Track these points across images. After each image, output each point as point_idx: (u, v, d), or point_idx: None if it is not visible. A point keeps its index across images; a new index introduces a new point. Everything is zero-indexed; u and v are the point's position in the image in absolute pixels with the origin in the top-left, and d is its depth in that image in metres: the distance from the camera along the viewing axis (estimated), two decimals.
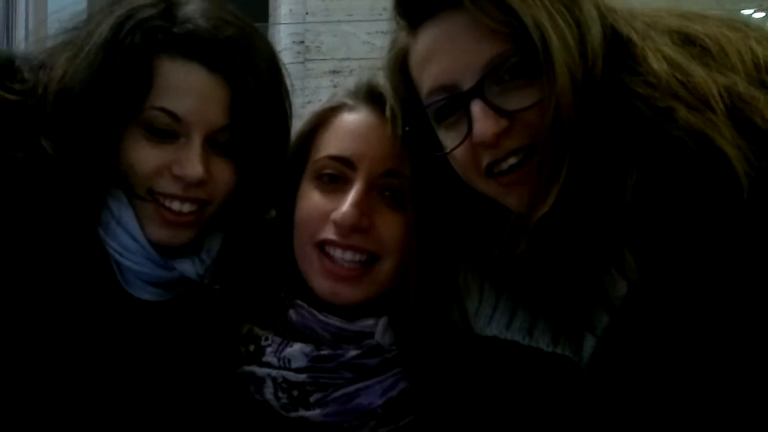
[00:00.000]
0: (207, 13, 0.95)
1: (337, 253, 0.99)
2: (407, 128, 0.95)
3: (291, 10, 4.03)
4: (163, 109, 0.91)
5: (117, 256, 0.95)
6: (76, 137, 0.90)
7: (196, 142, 0.93)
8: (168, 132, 0.93)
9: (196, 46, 0.92)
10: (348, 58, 3.77)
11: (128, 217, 0.94)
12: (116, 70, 0.90)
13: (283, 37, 4.04)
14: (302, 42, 3.93)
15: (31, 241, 0.90)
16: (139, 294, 0.98)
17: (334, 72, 3.79)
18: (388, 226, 0.99)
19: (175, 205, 0.95)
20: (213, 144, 0.95)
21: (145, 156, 0.93)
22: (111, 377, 0.96)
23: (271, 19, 4.27)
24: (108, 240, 0.95)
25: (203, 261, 1.01)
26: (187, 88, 0.92)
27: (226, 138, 0.96)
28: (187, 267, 0.99)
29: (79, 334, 0.94)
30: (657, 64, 0.77)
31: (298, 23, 4.00)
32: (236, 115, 0.94)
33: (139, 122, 0.92)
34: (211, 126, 0.94)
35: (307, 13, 4.01)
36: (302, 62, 3.88)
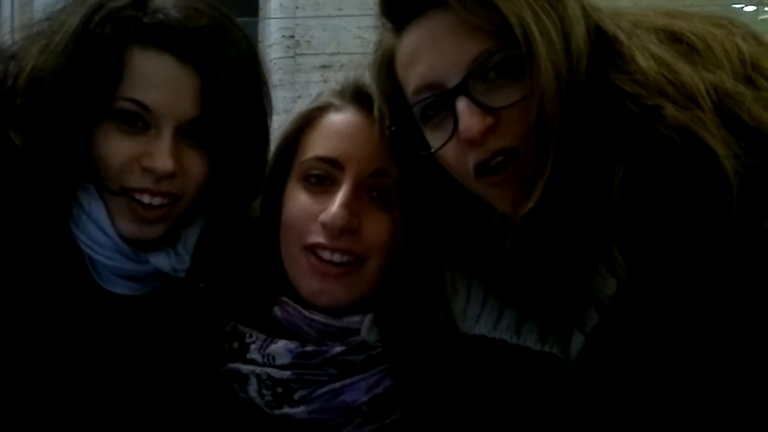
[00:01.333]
0: (179, 3, 0.93)
1: (326, 254, 0.99)
2: (393, 128, 0.95)
3: (281, 4, 4.00)
4: (133, 100, 0.90)
5: (88, 250, 0.94)
6: (46, 129, 0.88)
7: (166, 133, 0.92)
8: (138, 123, 0.92)
9: (166, 37, 0.91)
10: (338, 53, 3.76)
11: (98, 210, 0.93)
12: (86, 60, 0.88)
13: (273, 31, 4.02)
14: (292, 36, 3.91)
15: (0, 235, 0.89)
16: (113, 288, 0.97)
17: (325, 67, 3.77)
18: (376, 227, 0.99)
19: (145, 198, 0.93)
20: (184, 135, 0.94)
21: (116, 148, 0.91)
22: (89, 374, 0.95)
23: (261, 14, 4.25)
24: (79, 234, 0.94)
25: (179, 254, 0.99)
26: (157, 79, 0.91)
27: (198, 130, 0.94)
28: (162, 261, 0.98)
29: (52, 331, 0.92)
30: (644, 62, 0.77)
31: (289, 18, 3.98)
32: (208, 106, 0.93)
33: (109, 114, 0.91)
34: (181, 117, 0.92)
35: (297, 8, 3.99)
36: (292, 57, 3.86)
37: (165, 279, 1.02)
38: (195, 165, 0.96)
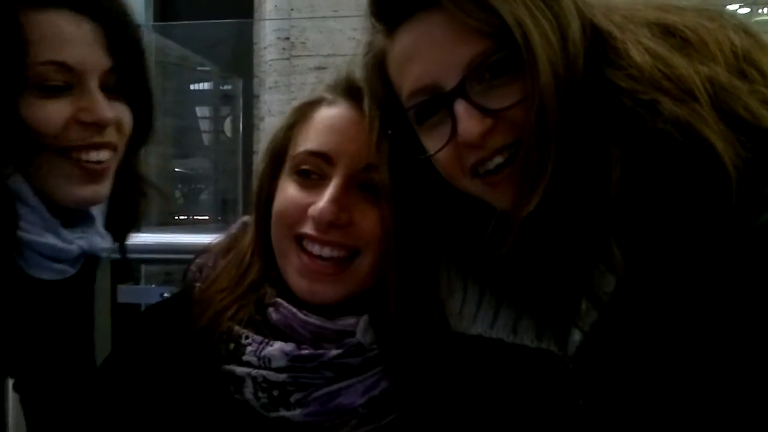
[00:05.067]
0: None
1: (315, 248, 0.98)
2: (389, 132, 0.94)
3: (276, 6, 3.99)
4: (53, 62, 0.89)
5: (19, 232, 0.92)
6: None
7: (93, 85, 0.92)
8: (61, 85, 0.91)
9: None
10: (334, 55, 3.75)
11: (27, 190, 0.92)
12: None
13: (268, 33, 4.01)
14: (287, 38, 3.90)
15: None
16: (40, 274, 0.95)
17: (320, 68, 3.76)
18: (368, 221, 0.98)
19: (93, 156, 0.93)
20: (104, 88, 0.94)
21: (48, 113, 0.90)
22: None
23: (256, 15, 4.24)
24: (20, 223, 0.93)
25: (101, 234, 1.00)
26: (67, 37, 0.90)
27: (114, 80, 0.95)
28: (88, 241, 0.97)
29: None
30: (639, 57, 0.77)
31: (284, 19, 3.97)
32: (116, 54, 0.93)
33: (28, 83, 0.89)
34: (100, 69, 0.92)
35: (292, 9, 3.99)
36: (287, 58, 3.85)
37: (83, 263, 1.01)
38: (123, 114, 0.97)
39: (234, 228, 1.15)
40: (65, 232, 0.95)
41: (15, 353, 0.93)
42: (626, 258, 0.78)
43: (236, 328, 1.01)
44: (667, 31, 0.81)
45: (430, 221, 0.97)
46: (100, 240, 0.99)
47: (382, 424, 0.96)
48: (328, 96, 1.05)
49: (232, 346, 1.00)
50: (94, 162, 0.93)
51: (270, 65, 3.83)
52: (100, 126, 0.91)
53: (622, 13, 0.84)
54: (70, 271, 0.98)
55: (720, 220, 0.72)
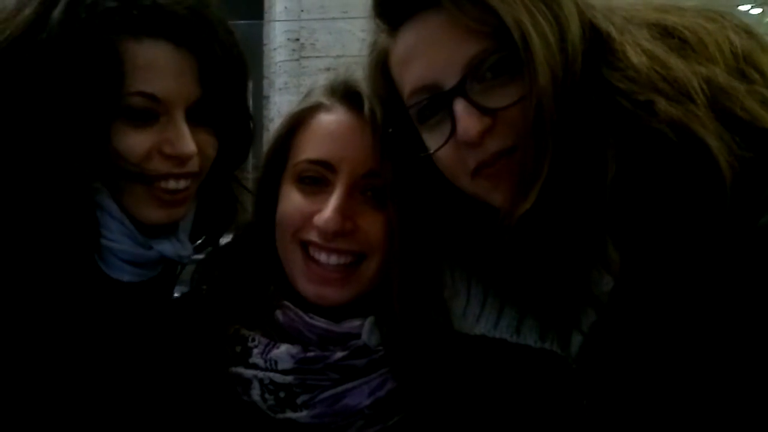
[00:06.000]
0: None
1: (322, 256, 0.99)
2: (390, 130, 0.95)
3: (286, 7, 4.02)
4: (142, 93, 0.90)
5: (103, 240, 0.95)
6: (59, 139, 0.88)
7: (179, 118, 0.93)
8: (149, 114, 0.92)
9: (159, 23, 0.90)
10: (343, 56, 3.76)
11: (109, 202, 0.94)
12: (84, 64, 0.87)
13: (278, 34, 4.04)
14: (297, 39, 3.92)
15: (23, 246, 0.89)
16: (120, 276, 0.97)
17: (330, 69, 3.78)
18: (372, 226, 0.99)
19: (171, 184, 0.95)
20: (190, 117, 0.95)
21: (132, 142, 0.91)
22: (96, 367, 0.95)
23: (266, 17, 4.26)
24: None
25: (181, 241, 1.01)
26: (160, 68, 0.90)
27: (201, 110, 0.95)
28: (167, 248, 0.99)
29: (63, 322, 0.93)
30: (636, 58, 0.77)
31: (294, 20, 3.99)
32: (207, 84, 0.94)
33: (119, 111, 0.90)
34: (188, 100, 0.93)
35: (302, 11, 4.00)
36: (297, 60, 3.87)
37: (164, 266, 1.03)
38: (207, 143, 0.98)
39: (241, 230, 1.15)
40: (144, 239, 0.97)
41: (92, 351, 0.95)
42: (623, 257, 0.78)
43: (243, 330, 1.02)
44: (666, 32, 0.81)
45: (433, 222, 0.97)
46: (180, 247, 1.00)
47: (388, 425, 0.97)
48: (326, 101, 1.05)
49: (239, 348, 1.01)
50: (171, 190, 0.95)
51: (280, 66, 3.85)
52: (181, 159, 0.93)
53: (623, 14, 0.84)
54: (150, 274, 1.00)
55: (716, 219, 0.72)
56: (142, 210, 0.95)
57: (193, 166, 0.96)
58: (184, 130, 0.92)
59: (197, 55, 0.92)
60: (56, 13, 0.87)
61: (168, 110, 0.92)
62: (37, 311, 0.91)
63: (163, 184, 0.94)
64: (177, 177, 0.95)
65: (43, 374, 0.92)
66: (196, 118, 0.95)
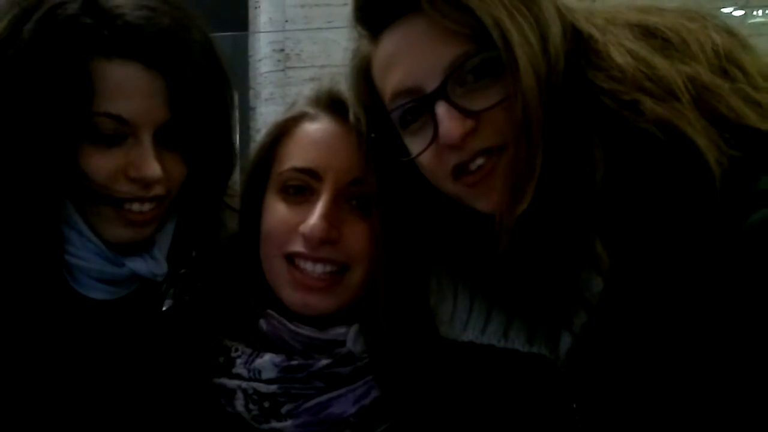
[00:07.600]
0: (132, 2, 0.91)
1: (308, 265, 0.98)
2: (373, 135, 0.94)
3: (270, 18, 4.02)
4: (108, 114, 0.88)
5: (69, 257, 0.93)
6: (26, 155, 0.86)
7: (146, 141, 0.91)
8: (116, 136, 0.90)
9: (130, 44, 0.89)
10: (328, 65, 3.77)
11: (77, 220, 0.92)
12: (54, 81, 0.85)
13: (263, 45, 4.04)
14: (282, 50, 3.92)
15: None
16: (90, 293, 0.95)
17: (315, 79, 3.78)
18: (357, 236, 0.98)
19: (136, 207, 0.93)
20: (159, 139, 0.93)
21: (98, 163, 0.90)
22: (70, 384, 0.93)
23: (251, 27, 4.26)
24: (67, 247, 0.93)
25: (156, 259, 0.99)
26: (128, 90, 0.89)
27: (170, 132, 0.93)
28: (140, 265, 0.97)
29: (35, 339, 0.91)
30: (621, 58, 0.77)
31: (278, 31, 3.99)
32: (176, 107, 0.92)
33: (85, 131, 0.88)
34: (156, 122, 0.91)
35: (286, 21, 4.01)
36: (282, 70, 3.87)
37: (140, 283, 1.01)
38: (175, 166, 0.95)
39: (224, 240, 1.14)
40: (116, 257, 0.95)
41: (68, 367, 0.93)
42: (613, 258, 0.78)
43: (226, 340, 1.01)
44: (648, 33, 0.81)
45: (419, 227, 0.97)
46: (154, 265, 0.98)
47: None
48: (310, 110, 1.04)
49: (222, 359, 0.99)
50: (136, 212, 0.93)
51: (265, 77, 3.85)
52: (145, 182, 0.91)
53: (604, 16, 0.84)
54: (123, 291, 0.98)
55: (705, 217, 0.72)
56: (107, 229, 0.93)
57: (159, 189, 0.94)
58: (150, 153, 0.90)
59: (168, 78, 0.90)
60: (27, 29, 0.86)
61: (135, 132, 0.90)
62: (8, 328, 0.89)
63: (127, 206, 0.93)
64: (142, 200, 0.93)
65: (22, 389, 0.90)
66: (165, 141, 0.93)
